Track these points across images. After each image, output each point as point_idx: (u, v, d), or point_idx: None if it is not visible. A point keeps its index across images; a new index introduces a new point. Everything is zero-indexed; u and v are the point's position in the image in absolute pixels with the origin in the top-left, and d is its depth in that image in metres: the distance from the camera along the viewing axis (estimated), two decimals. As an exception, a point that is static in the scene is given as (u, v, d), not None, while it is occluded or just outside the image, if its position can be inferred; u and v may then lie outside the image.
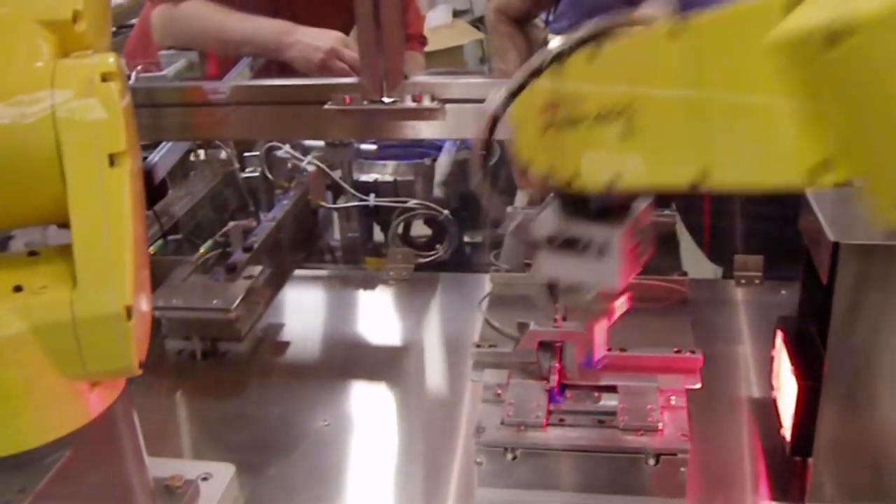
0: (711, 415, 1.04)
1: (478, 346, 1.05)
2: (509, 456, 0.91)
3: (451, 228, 1.52)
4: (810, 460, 0.88)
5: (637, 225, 0.82)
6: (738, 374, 1.12)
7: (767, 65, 0.50)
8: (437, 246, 1.53)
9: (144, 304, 0.73)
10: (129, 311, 0.68)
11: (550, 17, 1.58)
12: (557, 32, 1.42)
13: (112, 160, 0.68)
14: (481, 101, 1.30)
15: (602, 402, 0.97)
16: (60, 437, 0.71)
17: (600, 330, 0.96)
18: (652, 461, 0.89)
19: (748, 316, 1.26)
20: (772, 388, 1.00)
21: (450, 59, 3.90)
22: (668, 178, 0.64)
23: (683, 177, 0.60)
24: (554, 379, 0.99)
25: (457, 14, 4.66)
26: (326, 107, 1.32)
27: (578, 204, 0.81)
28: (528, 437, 0.91)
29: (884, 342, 0.83)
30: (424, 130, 1.35)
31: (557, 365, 1.00)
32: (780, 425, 0.95)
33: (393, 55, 1.30)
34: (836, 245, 0.80)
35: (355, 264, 1.57)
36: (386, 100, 1.31)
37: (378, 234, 1.67)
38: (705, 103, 0.56)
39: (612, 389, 0.98)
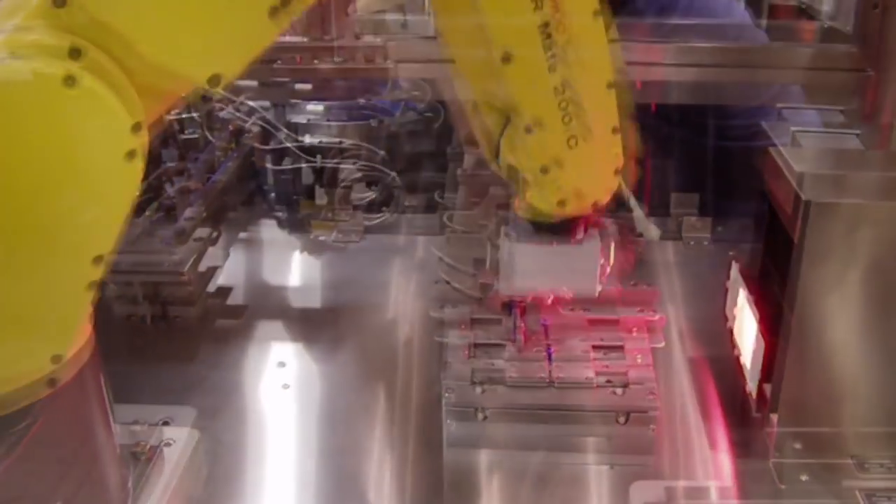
0: (672, 373, 1.05)
1: (442, 307, 1.05)
2: (480, 416, 0.91)
3: (397, 191, 1.50)
4: (774, 416, 0.90)
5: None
6: (695, 333, 1.13)
7: None
8: (384, 209, 1.51)
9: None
10: None
11: None
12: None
13: None
14: (435, 61, 1.31)
15: (568, 360, 0.97)
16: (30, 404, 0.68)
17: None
18: (622, 419, 0.90)
19: (699, 276, 1.28)
20: (733, 346, 1.01)
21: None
22: None
23: None
24: (520, 339, 0.98)
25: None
26: (276, 66, 1.29)
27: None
28: (498, 397, 0.91)
29: (848, 299, 0.84)
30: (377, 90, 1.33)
31: (522, 325, 1.00)
32: (744, 382, 0.97)
33: (341, 13, 1.27)
34: (807, 203, 0.81)
35: (300, 228, 1.54)
36: (336, 59, 1.28)
37: (321, 197, 1.64)
38: None
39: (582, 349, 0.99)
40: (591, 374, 0.93)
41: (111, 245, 0.66)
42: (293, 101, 1.49)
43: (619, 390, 0.91)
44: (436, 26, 0.93)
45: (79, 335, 0.70)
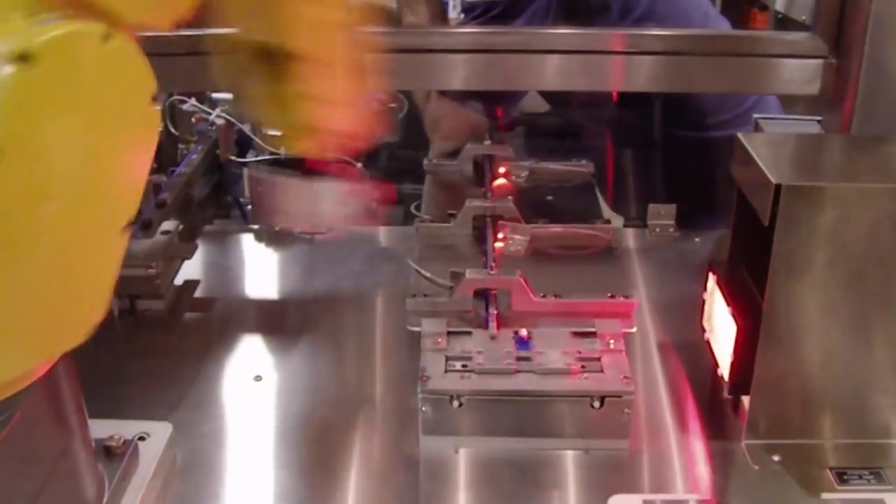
0: (643, 359, 1.06)
1: (413, 296, 1.05)
2: (455, 403, 0.91)
3: (363, 181, 1.50)
4: (746, 398, 0.91)
5: None
6: (664, 319, 1.14)
7: None
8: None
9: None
10: None
11: None
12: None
13: None
14: (401, 51, 1.31)
15: (541, 347, 0.97)
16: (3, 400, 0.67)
17: None
18: (597, 403, 0.90)
19: (665, 263, 1.29)
20: (703, 330, 1.03)
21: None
22: None
23: None
24: (493, 326, 0.99)
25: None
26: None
27: None
28: (473, 384, 0.91)
29: (819, 282, 0.86)
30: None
31: (495, 312, 1.00)
32: (715, 367, 0.98)
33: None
34: (778, 187, 0.82)
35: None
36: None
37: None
38: None
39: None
40: (566, 359, 0.94)
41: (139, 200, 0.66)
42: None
43: (592, 375, 0.92)
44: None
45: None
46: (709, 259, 1.04)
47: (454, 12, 1.59)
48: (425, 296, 1.04)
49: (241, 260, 1.37)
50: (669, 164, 1.48)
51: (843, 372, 0.89)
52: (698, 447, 0.93)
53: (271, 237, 1.40)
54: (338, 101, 0.83)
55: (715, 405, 0.98)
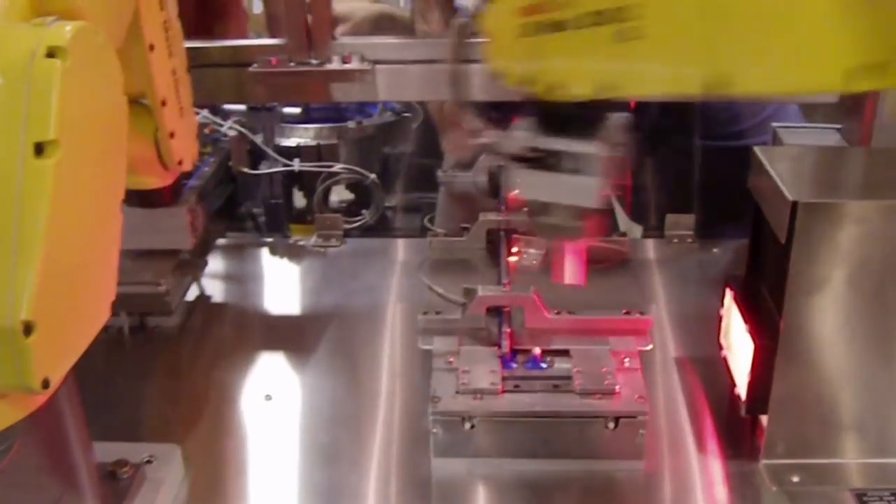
0: (659, 375, 1.04)
1: (424, 313, 1.03)
2: (467, 425, 0.89)
3: (376, 193, 1.48)
4: (764, 418, 0.89)
5: (612, 139, 0.79)
6: (681, 333, 1.12)
7: None
8: (363, 211, 1.49)
9: (60, 316, 0.64)
10: (27, 327, 0.58)
11: None
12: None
13: (40, 149, 0.59)
14: (411, 62, 1.30)
15: (556, 366, 0.96)
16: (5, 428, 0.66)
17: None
18: (611, 424, 0.89)
19: (684, 275, 1.27)
20: (720, 346, 1.01)
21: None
22: (676, 84, 0.61)
23: (695, 83, 0.57)
24: (506, 344, 0.97)
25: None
26: (251, 69, 1.27)
27: (552, 118, 0.78)
28: (485, 405, 0.90)
29: (837, 299, 0.84)
30: (354, 93, 1.31)
31: (508, 330, 0.98)
32: (732, 384, 0.96)
33: (320, 14, 1.25)
34: (794, 204, 0.80)
35: (279, 232, 1.52)
36: (314, 61, 1.27)
37: (299, 201, 1.62)
38: (726, 2, 0.53)
39: (564, 353, 0.97)
40: (579, 379, 0.92)
41: None
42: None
43: (607, 395, 0.90)
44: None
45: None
46: (726, 271, 1.02)
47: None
48: (437, 313, 1.03)
49: (255, 274, 1.36)
50: (688, 173, 1.45)
51: (862, 390, 0.87)
52: (716, 467, 0.91)
53: (285, 250, 1.39)
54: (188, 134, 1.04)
55: (732, 424, 0.96)
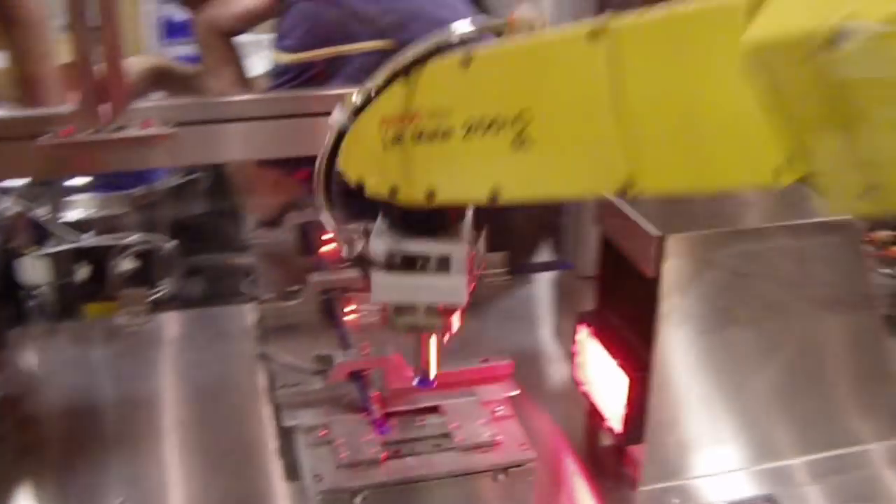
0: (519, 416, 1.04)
1: (281, 387, 0.98)
2: (357, 499, 0.85)
3: (176, 260, 1.41)
4: (639, 447, 0.92)
5: (469, 235, 0.79)
6: (526, 371, 1.13)
7: (732, 65, 0.48)
8: (162, 281, 1.41)
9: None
10: None
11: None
12: (285, 50, 1.35)
13: None
14: (213, 121, 1.24)
15: (431, 423, 0.94)
16: None
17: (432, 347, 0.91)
18: (501, 476, 0.88)
19: (507, 311, 1.29)
20: (577, 382, 1.03)
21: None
22: (573, 186, 0.62)
23: (601, 184, 0.58)
24: (376, 409, 0.94)
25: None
26: (39, 142, 1.16)
27: (411, 221, 0.77)
28: (372, 476, 0.86)
29: (707, 327, 0.88)
30: (154, 158, 1.23)
31: (375, 393, 0.96)
32: (597, 418, 0.98)
33: (114, 75, 1.16)
34: (660, 238, 0.84)
35: (71, 315, 1.40)
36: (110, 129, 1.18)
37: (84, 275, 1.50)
38: (635, 107, 0.55)
39: (434, 410, 0.96)
40: (459, 435, 0.91)
41: None
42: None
43: (490, 448, 0.89)
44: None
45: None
46: (551, 305, 1.05)
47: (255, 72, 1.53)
48: (294, 385, 0.98)
49: (62, 366, 1.21)
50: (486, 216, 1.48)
51: (728, 406, 0.92)
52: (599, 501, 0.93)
53: (92, 334, 1.27)
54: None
55: (602, 456, 0.99)
